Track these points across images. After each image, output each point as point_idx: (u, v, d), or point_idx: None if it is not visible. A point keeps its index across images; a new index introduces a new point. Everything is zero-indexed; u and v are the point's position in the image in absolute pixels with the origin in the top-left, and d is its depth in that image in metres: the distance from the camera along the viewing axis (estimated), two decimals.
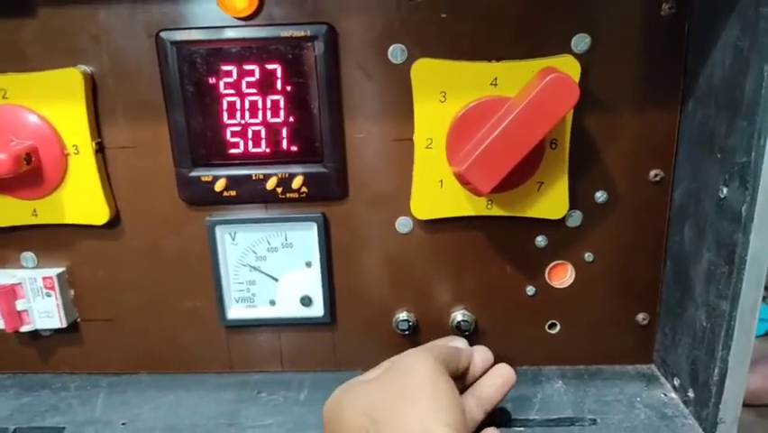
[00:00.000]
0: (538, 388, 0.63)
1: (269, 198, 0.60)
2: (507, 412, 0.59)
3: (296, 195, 0.60)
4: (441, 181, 0.58)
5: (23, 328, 0.63)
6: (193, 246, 0.63)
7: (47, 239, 0.63)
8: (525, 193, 0.58)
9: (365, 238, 0.62)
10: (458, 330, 0.63)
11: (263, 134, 0.58)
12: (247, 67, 0.56)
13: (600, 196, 0.60)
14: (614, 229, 0.61)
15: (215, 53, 0.56)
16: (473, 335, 0.64)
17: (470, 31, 0.55)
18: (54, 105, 0.57)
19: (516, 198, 0.58)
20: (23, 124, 0.57)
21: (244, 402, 0.63)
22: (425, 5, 0.55)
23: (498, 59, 0.55)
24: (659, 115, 0.57)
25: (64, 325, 0.64)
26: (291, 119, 0.58)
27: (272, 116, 0.57)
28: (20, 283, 0.62)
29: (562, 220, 0.60)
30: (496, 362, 0.58)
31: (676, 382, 0.60)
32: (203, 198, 0.60)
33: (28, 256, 0.64)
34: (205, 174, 0.59)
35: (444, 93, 0.56)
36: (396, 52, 0.56)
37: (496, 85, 0.55)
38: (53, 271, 0.63)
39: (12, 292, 0.62)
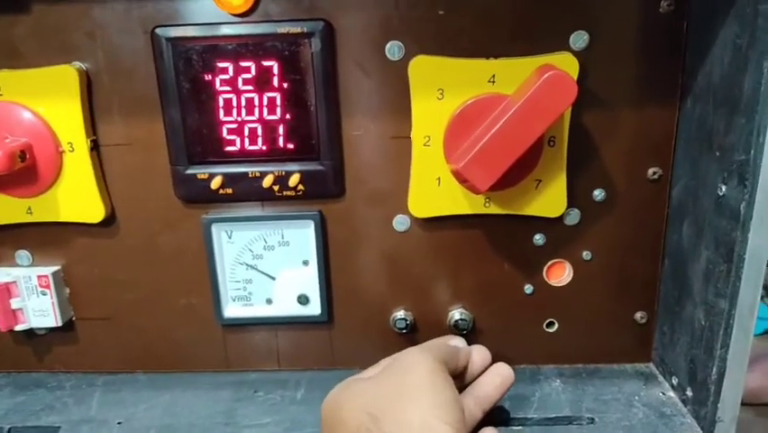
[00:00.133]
0: (536, 387, 0.63)
1: (265, 196, 0.60)
2: (506, 411, 0.59)
3: (292, 193, 0.60)
4: (438, 179, 0.58)
5: (18, 327, 0.63)
6: (189, 244, 0.62)
7: (42, 237, 0.62)
8: (522, 191, 0.58)
9: (362, 236, 0.62)
10: (456, 329, 0.63)
11: (260, 132, 0.58)
12: (243, 64, 0.56)
13: (599, 194, 0.59)
14: (612, 227, 0.61)
15: (211, 50, 0.56)
16: (471, 333, 0.64)
17: (467, 28, 0.55)
18: (49, 102, 0.57)
19: (514, 196, 0.58)
20: (18, 121, 0.57)
21: (241, 401, 0.62)
22: (422, 2, 0.54)
23: (495, 57, 0.55)
24: (657, 112, 0.57)
25: (59, 323, 0.63)
26: (288, 116, 0.57)
27: (269, 114, 0.57)
28: (15, 282, 0.62)
29: (560, 218, 0.60)
30: (493, 360, 0.58)
31: (674, 380, 0.60)
32: (199, 195, 0.60)
33: (23, 254, 0.63)
34: (201, 172, 0.59)
35: (442, 90, 0.55)
36: (393, 49, 0.56)
37: (494, 82, 0.55)
38: (48, 270, 0.62)
39: (6, 291, 0.62)
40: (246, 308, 0.64)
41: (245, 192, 0.60)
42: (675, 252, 0.59)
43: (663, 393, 0.61)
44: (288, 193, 0.60)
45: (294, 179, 0.59)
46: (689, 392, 0.57)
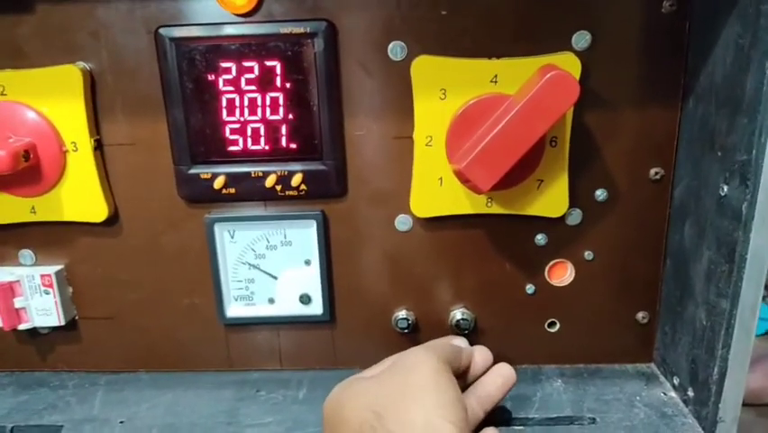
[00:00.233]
0: (538, 387, 0.63)
1: (268, 196, 0.60)
2: (507, 411, 0.59)
3: (295, 192, 0.60)
4: (440, 179, 0.58)
5: (21, 326, 0.63)
6: (192, 244, 0.62)
7: (45, 236, 0.63)
8: (524, 191, 0.58)
9: (364, 236, 0.62)
10: (457, 329, 0.63)
11: (262, 132, 0.58)
12: (246, 64, 0.56)
13: (600, 194, 0.59)
14: (614, 227, 0.61)
15: (215, 50, 0.56)
16: (473, 333, 0.64)
17: (470, 28, 0.55)
18: (53, 101, 0.57)
19: (516, 196, 0.58)
20: (22, 120, 0.57)
21: (243, 401, 0.62)
22: (425, 2, 0.54)
23: (498, 57, 0.55)
24: (659, 112, 0.57)
25: (62, 322, 0.63)
26: (290, 116, 0.57)
27: (271, 114, 0.57)
28: (18, 281, 0.62)
29: (562, 218, 0.60)
30: (495, 360, 0.58)
31: (676, 380, 0.60)
32: (202, 195, 0.60)
33: (26, 254, 0.63)
34: (204, 171, 0.59)
35: (444, 90, 0.55)
36: (396, 49, 0.56)
37: (496, 82, 0.55)
38: (51, 269, 0.62)
39: (10, 290, 0.62)
40: (248, 307, 0.64)
41: (248, 192, 0.60)
42: (677, 252, 0.59)
43: (665, 393, 0.61)
44: (291, 193, 0.60)
45: (296, 179, 0.59)
46: (690, 393, 0.57)
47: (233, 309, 0.64)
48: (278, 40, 0.55)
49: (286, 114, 0.57)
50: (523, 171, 0.56)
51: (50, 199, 0.60)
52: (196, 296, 0.64)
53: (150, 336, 0.66)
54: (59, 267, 0.63)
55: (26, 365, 0.68)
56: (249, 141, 0.58)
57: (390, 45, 0.56)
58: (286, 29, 0.55)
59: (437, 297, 0.64)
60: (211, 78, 0.56)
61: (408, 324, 0.63)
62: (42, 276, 0.62)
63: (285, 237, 0.62)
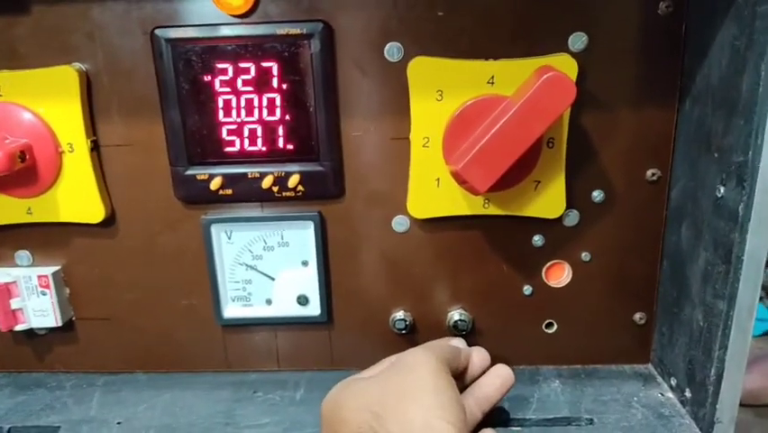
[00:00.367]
0: (535, 387, 0.63)
1: (265, 197, 0.60)
2: (505, 412, 0.59)
3: (292, 193, 0.60)
4: (437, 180, 0.58)
5: (18, 327, 0.63)
6: (189, 245, 0.62)
7: (42, 237, 0.63)
8: (521, 192, 0.58)
9: (362, 237, 0.62)
10: (455, 330, 0.63)
11: (259, 133, 0.58)
12: (243, 65, 0.56)
13: (597, 195, 0.59)
14: (611, 228, 0.61)
15: (211, 51, 0.56)
16: (470, 334, 0.64)
17: (467, 29, 0.55)
18: (49, 102, 0.57)
19: (513, 197, 0.58)
20: (18, 121, 0.57)
21: (240, 402, 0.62)
22: (421, 3, 0.54)
23: (495, 58, 0.55)
24: (656, 114, 0.57)
25: (59, 323, 0.63)
26: (287, 117, 0.57)
27: (268, 114, 0.57)
28: (15, 282, 0.62)
29: (559, 219, 0.60)
30: (493, 361, 0.58)
31: (673, 381, 0.60)
32: (198, 196, 0.60)
33: (23, 255, 0.63)
34: (201, 172, 0.59)
35: (441, 91, 0.55)
36: (392, 50, 0.56)
37: (493, 83, 0.55)
38: (48, 270, 0.62)
39: (6, 291, 0.62)
40: (246, 308, 0.64)
41: (245, 193, 0.60)
42: (674, 253, 0.59)
43: (662, 394, 0.61)
44: (288, 194, 0.60)
45: (293, 180, 0.59)
46: (687, 393, 0.57)
47: (231, 310, 0.64)
48: (274, 41, 0.55)
49: (282, 115, 0.57)
50: (520, 172, 0.56)
51: (47, 200, 0.59)
52: (193, 297, 0.64)
53: (148, 337, 0.66)
54: (55, 268, 0.63)
55: (23, 366, 0.68)
56: (246, 142, 0.58)
57: (387, 46, 0.56)
58: (282, 30, 0.55)
59: (435, 298, 0.64)
60: (207, 79, 0.56)
61: (406, 325, 0.63)
62: (39, 277, 0.62)
63: (282, 238, 0.62)
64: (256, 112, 0.57)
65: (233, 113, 0.57)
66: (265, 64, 0.56)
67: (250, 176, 0.59)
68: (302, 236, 0.62)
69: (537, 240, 0.61)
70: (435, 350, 0.53)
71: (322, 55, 0.55)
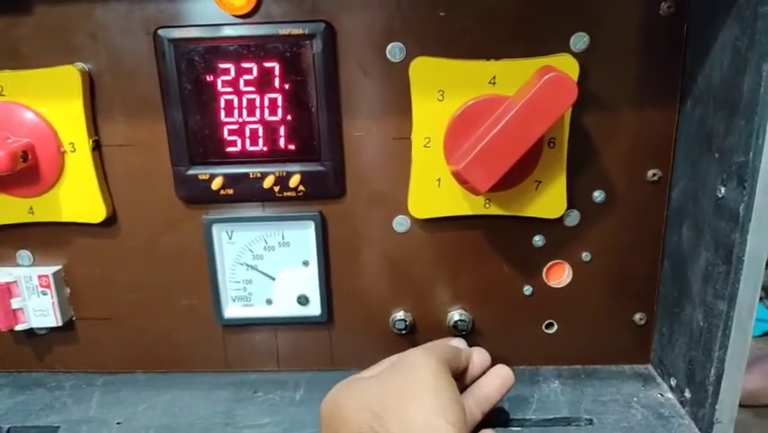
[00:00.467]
0: (535, 388, 0.63)
1: (266, 197, 0.60)
2: (505, 412, 0.59)
3: (293, 193, 0.60)
4: (438, 180, 0.58)
5: (18, 327, 0.63)
6: (190, 245, 0.62)
7: (43, 237, 0.62)
8: (522, 192, 0.58)
9: (362, 237, 0.62)
10: (455, 330, 0.63)
11: (261, 133, 0.58)
12: (245, 65, 0.56)
13: (598, 195, 0.60)
14: (612, 229, 0.61)
15: (213, 51, 0.56)
16: (470, 334, 0.64)
17: (468, 29, 0.55)
18: (51, 102, 0.57)
19: (514, 198, 0.58)
20: (20, 121, 0.57)
21: (240, 402, 0.62)
22: (423, 3, 0.55)
23: (496, 58, 0.55)
24: (657, 114, 0.57)
25: (59, 323, 0.63)
26: (289, 117, 0.57)
27: (270, 115, 0.57)
28: (15, 281, 0.62)
29: (560, 219, 0.60)
30: (493, 362, 0.58)
31: (673, 382, 0.60)
32: (200, 196, 0.60)
33: (24, 254, 0.63)
34: (203, 172, 0.59)
35: (443, 91, 0.55)
36: (394, 50, 0.56)
37: (494, 83, 0.55)
38: (49, 270, 0.62)
39: (7, 290, 0.62)
40: (246, 308, 0.64)
41: (246, 193, 0.60)
42: (674, 253, 0.59)
43: (662, 395, 0.61)
44: (289, 194, 0.60)
45: (294, 180, 0.59)
46: (687, 394, 0.57)
47: (231, 310, 0.64)
48: (276, 41, 0.55)
49: (284, 115, 0.57)
50: (521, 173, 0.56)
51: (49, 200, 0.59)
52: (193, 297, 0.64)
53: (148, 337, 0.66)
54: (56, 268, 0.63)
55: (23, 366, 0.68)
56: (247, 142, 0.58)
57: (389, 46, 0.56)
58: (284, 30, 0.55)
59: (435, 298, 0.64)
60: (209, 79, 0.56)
61: (406, 325, 0.63)
62: (40, 277, 0.62)
63: (283, 238, 0.62)
64: (258, 112, 0.57)
65: (235, 113, 0.57)
66: (267, 64, 0.56)
67: (251, 176, 0.59)
68: (303, 236, 0.62)
69: (538, 240, 0.61)
70: (436, 350, 0.53)
71: (324, 55, 0.55)
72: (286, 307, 0.64)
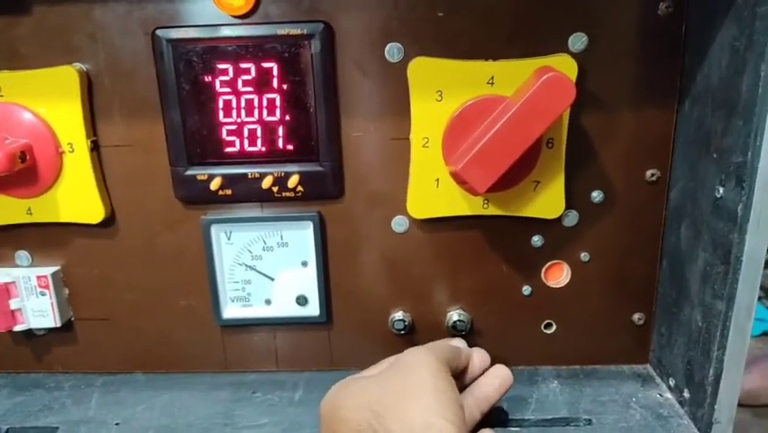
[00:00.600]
0: (534, 388, 0.63)
1: (264, 197, 0.60)
2: (503, 412, 0.59)
3: (291, 194, 0.60)
4: (437, 180, 0.58)
5: (17, 328, 0.63)
6: (188, 245, 0.62)
7: (41, 238, 0.62)
8: (521, 192, 0.58)
9: (361, 237, 0.62)
10: (454, 330, 0.63)
11: (259, 133, 0.58)
12: (243, 65, 0.56)
13: (597, 195, 0.60)
14: (610, 229, 0.61)
15: (212, 51, 0.56)
16: (469, 335, 0.64)
17: (467, 29, 0.55)
18: (49, 103, 0.57)
19: (513, 198, 0.58)
20: (18, 121, 0.57)
21: (239, 402, 0.62)
22: (422, 4, 0.55)
23: (494, 58, 0.55)
24: (656, 114, 0.57)
25: (58, 324, 0.63)
26: (287, 118, 0.57)
27: (268, 115, 0.57)
28: (14, 282, 0.62)
29: (559, 220, 0.60)
30: (492, 362, 0.58)
31: (671, 382, 0.60)
32: (198, 196, 0.60)
33: (22, 255, 0.63)
34: (201, 173, 0.59)
35: (441, 92, 0.55)
36: (392, 51, 0.56)
37: (492, 84, 0.55)
38: (48, 270, 0.62)
39: (5, 291, 0.62)
40: (245, 308, 0.64)
41: (244, 193, 0.60)
42: (673, 253, 0.59)
43: (661, 395, 0.61)
44: (288, 194, 0.60)
45: (293, 181, 0.59)
46: (686, 394, 0.57)
47: (230, 311, 0.64)
48: (275, 41, 0.55)
49: (283, 115, 0.57)
50: (519, 173, 0.56)
51: (47, 200, 0.59)
52: (192, 297, 0.64)
53: (147, 338, 0.66)
54: (55, 268, 0.63)
55: (22, 367, 0.68)
56: (245, 142, 0.58)
57: (387, 47, 0.56)
58: (283, 30, 0.55)
59: (434, 298, 0.64)
60: (208, 79, 0.56)
61: (405, 325, 0.63)
62: (39, 277, 0.62)
63: (281, 239, 0.62)
64: (256, 112, 0.57)
65: (234, 113, 0.57)
66: (265, 64, 0.56)
67: (249, 176, 0.59)
68: (301, 237, 0.62)
69: (537, 240, 0.61)
70: (436, 350, 0.53)
71: (322, 56, 0.55)
72: (285, 307, 0.64)
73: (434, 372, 0.49)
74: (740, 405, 0.53)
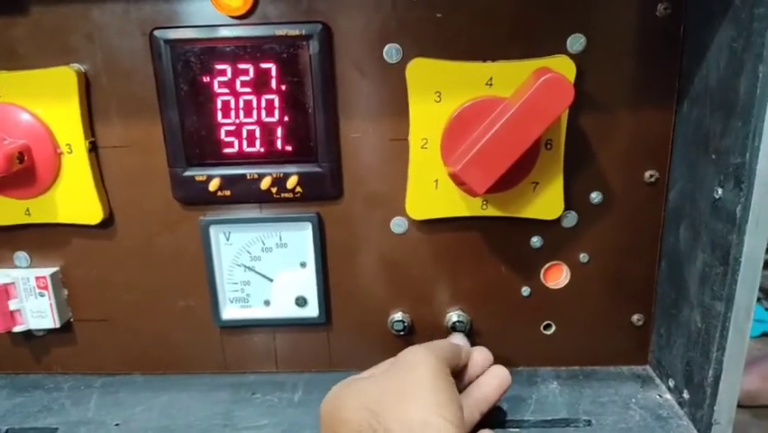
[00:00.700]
0: (533, 389, 0.63)
1: (263, 198, 0.60)
2: (503, 413, 0.59)
3: (290, 195, 0.60)
4: (436, 181, 0.58)
5: (16, 329, 0.63)
6: (187, 246, 0.62)
7: (40, 239, 0.62)
8: (520, 193, 0.58)
9: (360, 238, 0.62)
10: (453, 331, 0.63)
11: (258, 134, 0.58)
12: (241, 66, 0.56)
13: (595, 196, 0.59)
14: (609, 230, 0.61)
15: (210, 52, 0.56)
16: (468, 335, 0.64)
17: (465, 30, 0.55)
18: (47, 103, 0.57)
19: (512, 199, 0.58)
20: (16, 122, 0.57)
21: (238, 403, 0.62)
22: (420, 5, 0.54)
23: (493, 59, 0.55)
24: (654, 115, 0.57)
25: (57, 325, 0.63)
26: (286, 118, 0.57)
27: (267, 116, 0.57)
28: (13, 283, 0.62)
29: (558, 221, 0.60)
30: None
31: (671, 383, 0.60)
32: (197, 197, 0.60)
33: (21, 256, 0.63)
34: (200, 174, 0.59)
35: (440, 93, 0.55)
36: (391, 52, 0.56)
37: (491, 85, 0.55)
38: (46, 271, 0.62)
39: (4, 292, 0.62)
40: (244, 309, 0.64)
41: (243, 194, 0.60)
42: (672, 254, 0.59)
43: (660, 396, 0.61)
44: (286, 195, 0.60)
45: (292, 181, 0.59)
46: (685, 395, 0.57)
47: (229, 312, 0.64)
48: (273, 42, 0.55)
49: (281, 116, 0.57)
50: (518, 174, 0.56)
51: (45, 201, 0.59)
52: (191, 298, 0.64)
53: (146, 339, 0.66)
54: (54, 269, 0.63)
55: (21, 368, 0.68)
56: (244, 143, 0.58)
57: (386, 47, 0.56)
58: (281, 31, 0.55)
59: (433, 299, 0.64)
60: (206, 80, 0.56)
61: (404, 326, 0.63)
62: (37, 278, 0.62)
63: (280, 239, 0.62)
64: (255, 113, 0.57)
65: (232, 114, 0.57)
66: (264, 65, 0.56)
67: (248, 177, 0.59)
68: (300, 237, 0.62)
69: (536, 241, 0.61)
70: (435, 349, 0.53)
71: (320, 56, 0.55)
72: (284, 308, 0.64)
73: (434, 370, 0.49)
74: (739, 406, 0.53)
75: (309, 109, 0.57)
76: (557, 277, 0.63)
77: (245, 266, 0.63)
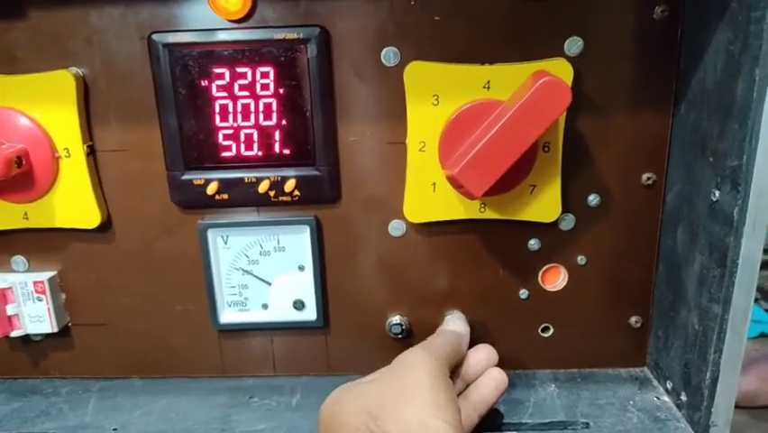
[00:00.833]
0: (531, 391, 0.63)
1: (261, 202, 0.60)
2: (500, 416, 0.59)
3: (288, 198, 0.60)
4: (434, 184, 0.58)
5: (14, 333, 0.63)
6: (185, 250, 0.62)
7: (38, 243, 0.62)
8: (517, 196, 0.58)
9: (358, 242, 0.62)
10: None
11: (256, 137, 0.58)
12: (239, 69, 0.56)
13: (593, 199, 0.60)
14: (607, 232, 0.61)
15: (208, 56, 0.56)
16: None
17: (463, 33, 0.55)
18: (45, 107, 0.57)
19: (509, 202, 0.58)
20: (14, 126, 0.57)
21: (236, 407, 0.62)
22: (418, 8, 0.55)
23: (490, 62, 0.55)
24: (651, 118, 0.57)
25: (55, 329, 0.63)
26: (284, 122, 0.57)
27: (265, 119, 0.57)
28: (10, 287, 0.62)
29: (555, 223, 0.60)
30: None
31: (669, 385, 0.60)
32: (195, 201, 0.60)
33: (19, 260, 0.63)
34: (197, 177, 0.59)
35: (437, 96, 0.55)
36: (389, 55, 0.56)
37: (489, 88, 0.55)
38: (44, 276, 0.62)
39: (2, 297, 0.62)
40: (242, 313, 0.64)
41: (241, 198, 0.60)
42: (669, 257, 0.59)
43: (658, 398, 0.61)
44: (284, 198, 0.60)
45: (290, 185, 0.59)
46: (683, 397, 0.57)
47: (227, 315, 0.64)
48: (271, 45, 0.55)
49: (279, 119, 0.57)
50: (516, 177, 0.56)
51: (43, 206, 0.59)
52: (189, 302, 0.64)
53: (144, 343, 0.66)
54: (51, 273, 0.63)
55: (19, 372, 0.68)
56: (242, 146, 0.58)
57: (383, 51, 0.56)
58: (279, 35, 0.55)
59: (431, 302, 0.64)
60: (204, 83, 0.56)
61: (402, 329, 0.63)
62: (35, 283, 0.62)
63: (278, 243, 0.62)
64: (252, 117, 0.57)
65: (230, 117, 0.57)
66: (262, 69, 0.56)
67: (246, 181, 0.59)
68: (298, 241, 0.62)
69: (533, 244, 0.61)
70: (435, 350, 0.53)
71: (318, 60, 0.55)
72: (282, 312, 0.64)
73: (432, 371, 0.49)
74: (737, 407, 0.53)
75: (307, 113, 0.57)
76: (555, 279, 0.63)
77: (243, 270, 0.63)
